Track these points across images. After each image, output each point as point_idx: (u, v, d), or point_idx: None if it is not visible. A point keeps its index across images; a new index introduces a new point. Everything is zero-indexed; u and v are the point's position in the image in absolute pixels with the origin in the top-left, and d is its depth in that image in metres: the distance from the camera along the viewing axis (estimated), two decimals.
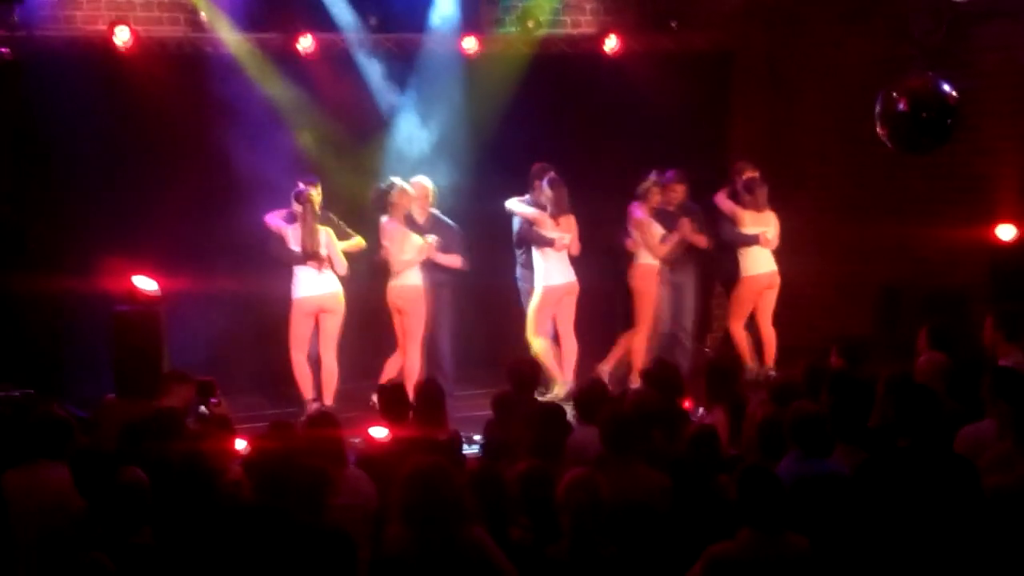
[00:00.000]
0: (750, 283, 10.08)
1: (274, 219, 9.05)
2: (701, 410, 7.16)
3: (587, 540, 4.56)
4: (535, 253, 9.65)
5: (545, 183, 9.53)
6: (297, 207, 8.95)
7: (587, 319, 9.98)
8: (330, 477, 5.02)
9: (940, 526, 4.57)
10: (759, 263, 10.04)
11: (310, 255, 8.89)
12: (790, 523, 4.61)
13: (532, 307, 9.63)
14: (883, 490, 4.66)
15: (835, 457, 5.30)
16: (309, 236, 8.87)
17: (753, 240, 9.97)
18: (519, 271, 9.91)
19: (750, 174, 10.07)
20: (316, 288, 8.95)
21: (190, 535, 4.84)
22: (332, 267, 8.97)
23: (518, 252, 9.89)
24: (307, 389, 9.07)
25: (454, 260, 9.47)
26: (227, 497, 5.18)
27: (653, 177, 9.83)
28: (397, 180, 9.28)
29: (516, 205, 9.70)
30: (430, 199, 9.51)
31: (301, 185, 8.95)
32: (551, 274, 9.62)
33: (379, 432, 6.75)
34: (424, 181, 9.51)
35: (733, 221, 10.02)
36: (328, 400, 8.98)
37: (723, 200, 10.10)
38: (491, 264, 10.57)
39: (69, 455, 5.47)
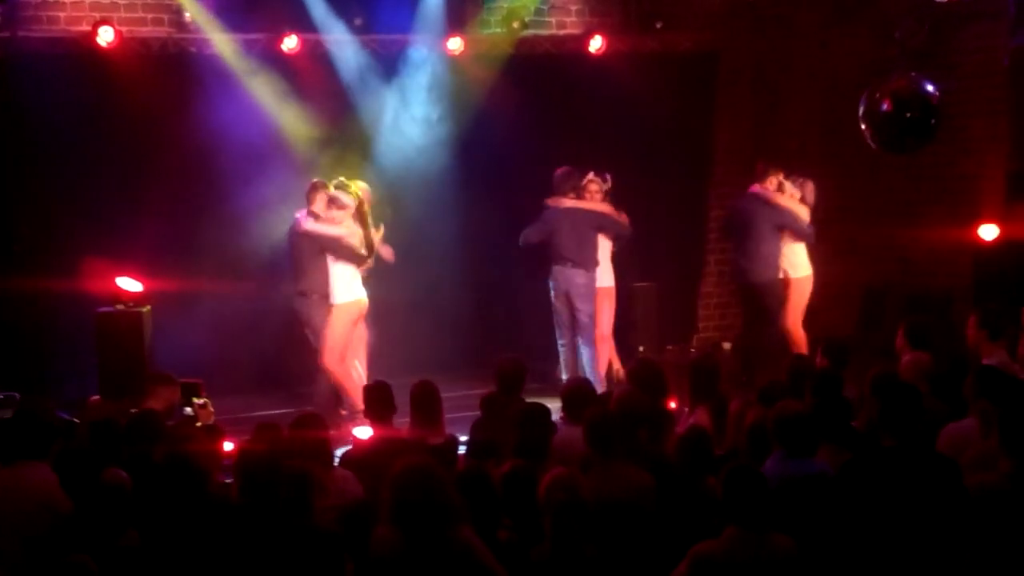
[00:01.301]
0: (806, 283, 9.75)
1: (322, 224, 8.67)
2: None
3: (569, 540, 4.56)
4: (604, 254, 9.64)
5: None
6: (338, 209, 8.59)
7: None
8: (316, 478, 5.02)
9: (924, 525, 4.59)
10: (807, 263, 9.77)
11: (372, 250, 8.75)
12: (775, 523, 4.62)
13: (603, 310, 9.63)
14: (867, 490, 4.67)
15: (819, 457, 5.32)
16: (368, 232, 8.70)
17: (813, 238, 9.79)
18: (583, 274, 9.51)
19: (785, 174, 9.77)
20: (360, 292, 8.67)
21: (179, 536, 4.82)
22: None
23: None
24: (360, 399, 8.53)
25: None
26: (216, 498, 5.17)
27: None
28: (341, 180, 8.95)
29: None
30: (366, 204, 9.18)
31: (326, 188, 8.71)
32: (608, 275, 9.72)
33: (363, 432, 6.74)
34: (364, 186, 9.15)
35: (796, 216, 9.65)
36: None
37: (780, 197, 9.69)
38: (482, 265, 10.58)
39: (53, 456, 5.45)
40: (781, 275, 9.70)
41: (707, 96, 11.63)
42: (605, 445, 5.38)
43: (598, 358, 9.61)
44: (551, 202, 9.57)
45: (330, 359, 8.56)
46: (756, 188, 9.78)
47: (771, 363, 9.48)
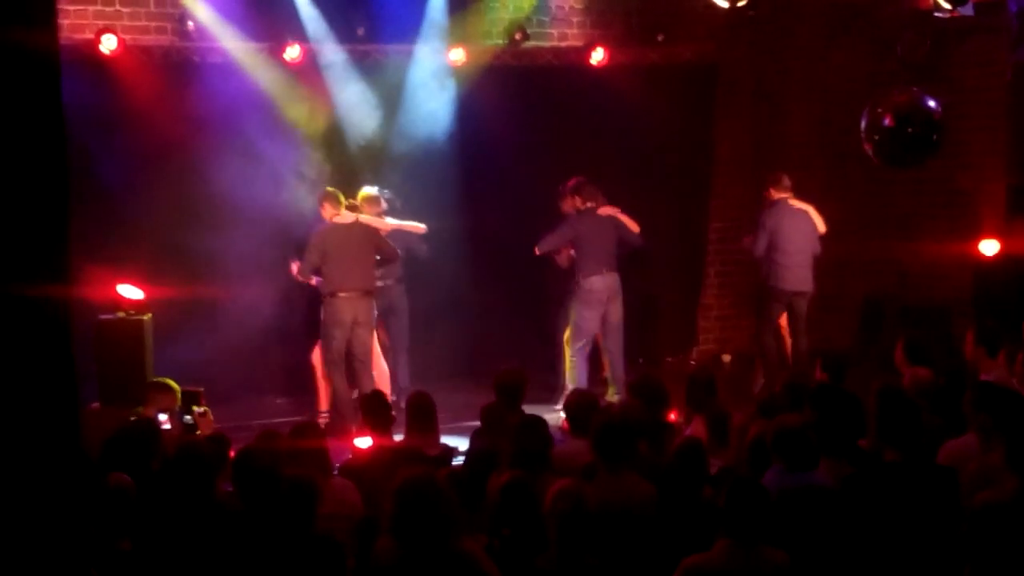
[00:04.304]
0: None
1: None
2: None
3: (573, 550, 4.57)
4: None
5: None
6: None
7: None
8: (320, 487, 5.02)
9: (927, 540, 4.59)
10: None
11: None
12: (772, 536, 4.61)
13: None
14: (870, 504, 4.67)
15: (820, 471, 5.32)
16: None
17: None
18: (618, 278, 9.62)
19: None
20: None
21: (180, 542, 4.82)
22: None
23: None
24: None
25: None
26: (220, 505, 5.17)
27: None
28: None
29: None
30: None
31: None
32: None
33: (363, 441, 6.74)
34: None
35: None
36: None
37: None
38: (483, 274, 10.56)
39: None
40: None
41: (707, 108, 11.66)
42: (612, 455, 5.38)
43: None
44: (592, 207, 9.49)
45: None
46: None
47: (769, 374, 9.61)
